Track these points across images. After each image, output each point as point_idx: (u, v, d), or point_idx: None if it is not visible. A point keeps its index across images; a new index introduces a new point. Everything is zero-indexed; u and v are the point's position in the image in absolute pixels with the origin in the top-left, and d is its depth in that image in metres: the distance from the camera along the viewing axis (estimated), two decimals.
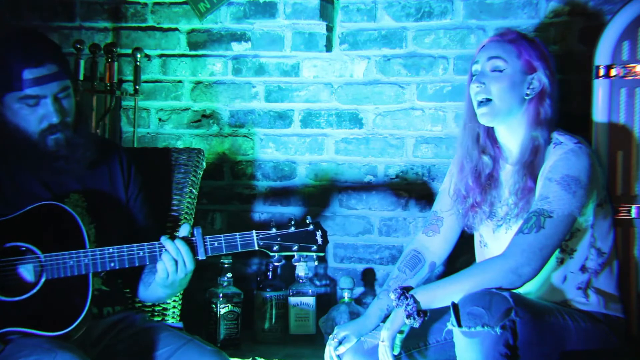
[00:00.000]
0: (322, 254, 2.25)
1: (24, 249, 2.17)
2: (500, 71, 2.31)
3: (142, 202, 2.47)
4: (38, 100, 2.22)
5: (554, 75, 2.34)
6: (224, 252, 2.21)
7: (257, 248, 2.21)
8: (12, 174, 2.28)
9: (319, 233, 2.23)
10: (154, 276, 2.27)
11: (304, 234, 2.22)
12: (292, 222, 2.23)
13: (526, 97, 2.33)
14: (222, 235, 2.20)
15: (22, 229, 2.18)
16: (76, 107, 2.33)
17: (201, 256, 2.20)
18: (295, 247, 2.22)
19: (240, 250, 2.21)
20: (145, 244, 2.20)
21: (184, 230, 2.22)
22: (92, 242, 2.24)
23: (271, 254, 2.23)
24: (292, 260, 2.28)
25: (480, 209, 2.40)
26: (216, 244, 2.20)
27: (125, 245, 2.19)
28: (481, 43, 2.41)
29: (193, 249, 2.19)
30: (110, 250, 2.18)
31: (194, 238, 2.20)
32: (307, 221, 2.24)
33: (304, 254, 2.24)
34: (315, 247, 2.23)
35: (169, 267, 2.17)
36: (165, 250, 2.17)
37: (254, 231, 2.21)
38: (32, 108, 2.22)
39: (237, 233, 2.21)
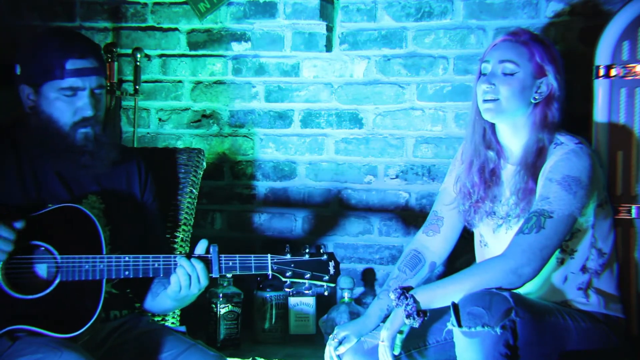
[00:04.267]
0: (332, 285, 2.29)
1: (42, 248, 2.17)
2: (512, 74, 2.30)
3: (156, 210, 2.49)
4: (76, 92, 2.26)
5: (563, 79, 2.33)
6: (238, 273, 2.23)
7: (270, 272, 2.25)
8: (35, 170, 2.29)
9: (331, 264, 2.28)
10: (163, 287, 2.29)
11: (317, 263, 2.27)
12: (307, 250, 2.27)
13: (533, 101, 2.32)
14: (237, 255, 2.23)
15: (43, 229, 2.19)
16: (106, 108, 2.38)
17: (215, 274, 2.22)
18: (308, 275, 2.27)
19: (253, 273, 2.24)
20: (161, 256, 2.22)
21: (201, 247, 2.24)
22: (106, 244, 2.24)
23: (283, 279, 2.26)
24: (303, 288, 2.30)
25: (483, 204, 2.39)
26: (230, 264, 2.23)
27: (141, 255, 2.20)
28: (493, 41, 2.38)
29: (208, 266, 2.21)
30: (127, 258, 2.19)
31: (209, 255, 2.22)
32: (321, 250, 2.28)
33: (316, 282, 2.28)
34: (327, 277, 2.27)
35: (183, 282, 2.19)
36: (181, 264, 2.19)
37: (269, 255, 2.24)
38: (69, 99, 2.26)
39: (253, 255, 2.24)
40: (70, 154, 2.28)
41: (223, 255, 2.23)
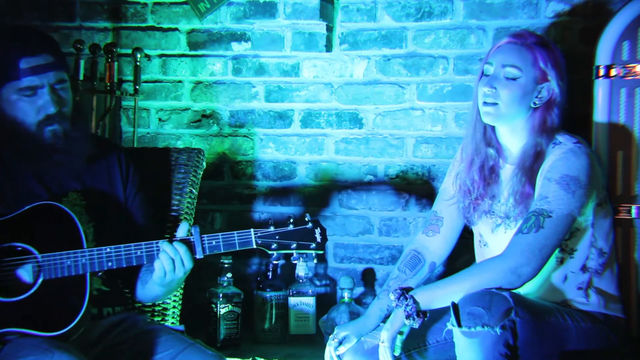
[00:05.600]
0: (321, 252, 2.23)
1: (20, 249, 2.16)
2: (514, 79, 2.29)
3: (141, 201, 2.46)
4: (35, 91, 2.22)
5: (565, 84, 2.32)
6: (222, 251, 2.20)
7: (255, 246, 2.20)
8: (10, 173, 2.28)
9: (317, 231, 2.22)
10: (151, 274, 2.27)
11: (303, 232, 2.21)
12: (291, 220, 2.22)
13: (533, 106, 2.31)
14: (219, 233, 2.20)
15: (20, 229, 2.18)
16: (73, 102, 2.33)
17: (199, 255, 2.19)
18: (294, 245, 2.21)
19: (238, 249, 2.21)
20: (143, 243, 2.19)
21: (182, 230, 2.21)
22: (90, 241, 2.23)
23: (269, 252, 2.22)
24: (291, 258, 2.28)
25: (482, 201, 2.39)
26: (214, 243, 2.20)
27: (122, 245, 2.19)
28: (497, 42, 2.36)
29: (191, 248, 2.19)
30: (108, 249, 2.18)
31: (191, 237, 2.20)
32: (306, 219, 2.23)
33: (303, 251, 2.23)
34: (314, 245, 2.21)
35: (167, 266, 2.17)
36: (163, 249, 2.17)
37: (252, 229, 2.20)
38: (30, 99, 2.22)
39: (235, 232, 2.20)
40: (42, 153, 2.25)
41: (205, 235, 2.20)
